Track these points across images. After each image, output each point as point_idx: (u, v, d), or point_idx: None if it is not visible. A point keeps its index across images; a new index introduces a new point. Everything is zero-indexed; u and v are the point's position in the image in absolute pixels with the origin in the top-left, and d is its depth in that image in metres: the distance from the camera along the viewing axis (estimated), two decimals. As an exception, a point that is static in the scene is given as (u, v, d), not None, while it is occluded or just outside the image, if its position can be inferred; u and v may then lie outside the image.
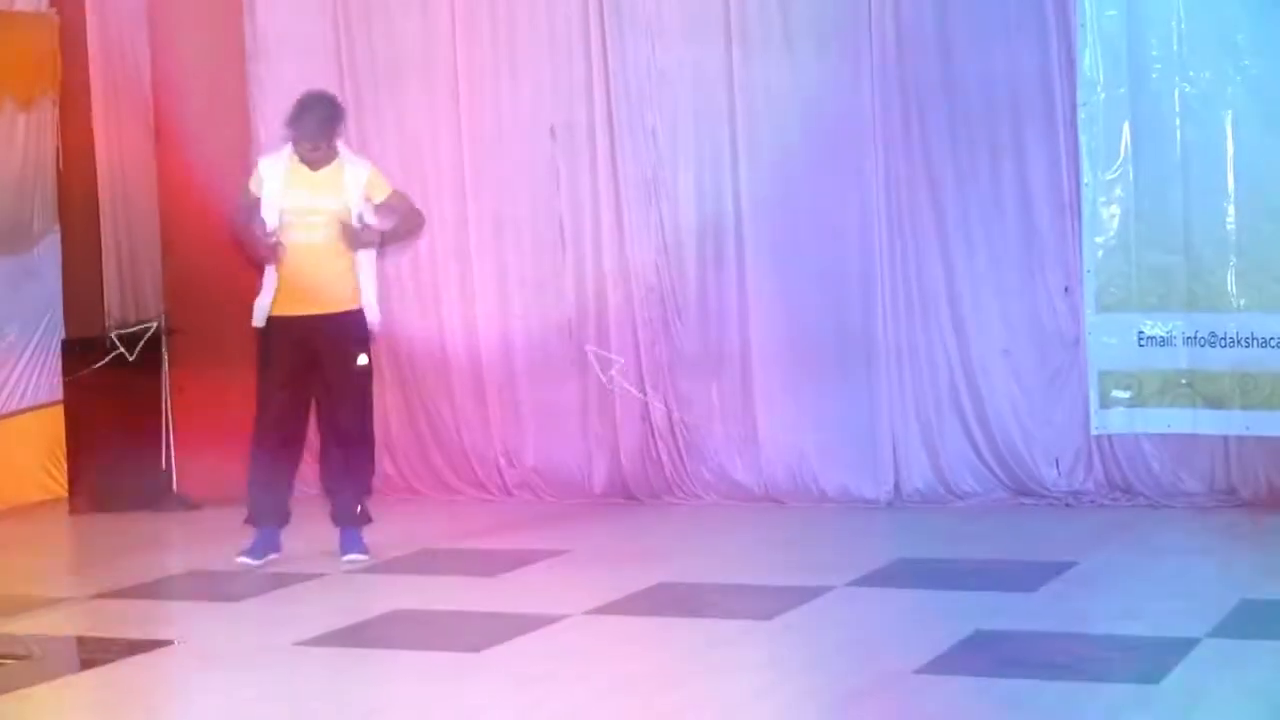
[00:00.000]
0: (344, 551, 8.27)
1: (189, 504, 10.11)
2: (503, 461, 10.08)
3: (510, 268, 10.04)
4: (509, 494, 10.04)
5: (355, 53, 10.29)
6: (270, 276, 8.20)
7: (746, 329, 9.55)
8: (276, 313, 8.15)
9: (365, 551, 8.29)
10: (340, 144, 8.35)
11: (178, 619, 7.49)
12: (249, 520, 8.37)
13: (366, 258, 8.26)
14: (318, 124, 8.19)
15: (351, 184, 8.23)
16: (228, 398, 10.26)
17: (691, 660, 6.22)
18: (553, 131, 9.91)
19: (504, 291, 10.06)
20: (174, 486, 10.23)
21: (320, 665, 6.41)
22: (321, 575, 8.01)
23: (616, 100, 9.76)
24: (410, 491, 10.14)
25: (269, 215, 8.15)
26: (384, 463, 10.23)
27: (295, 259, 8.14)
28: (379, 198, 8.31)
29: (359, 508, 8.35)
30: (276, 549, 8.31)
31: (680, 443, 9.68)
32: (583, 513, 9.50)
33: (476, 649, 6.50)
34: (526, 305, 10.01)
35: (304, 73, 10.35)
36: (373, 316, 8.28)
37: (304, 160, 8.19)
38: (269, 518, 8.30)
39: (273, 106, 10.44)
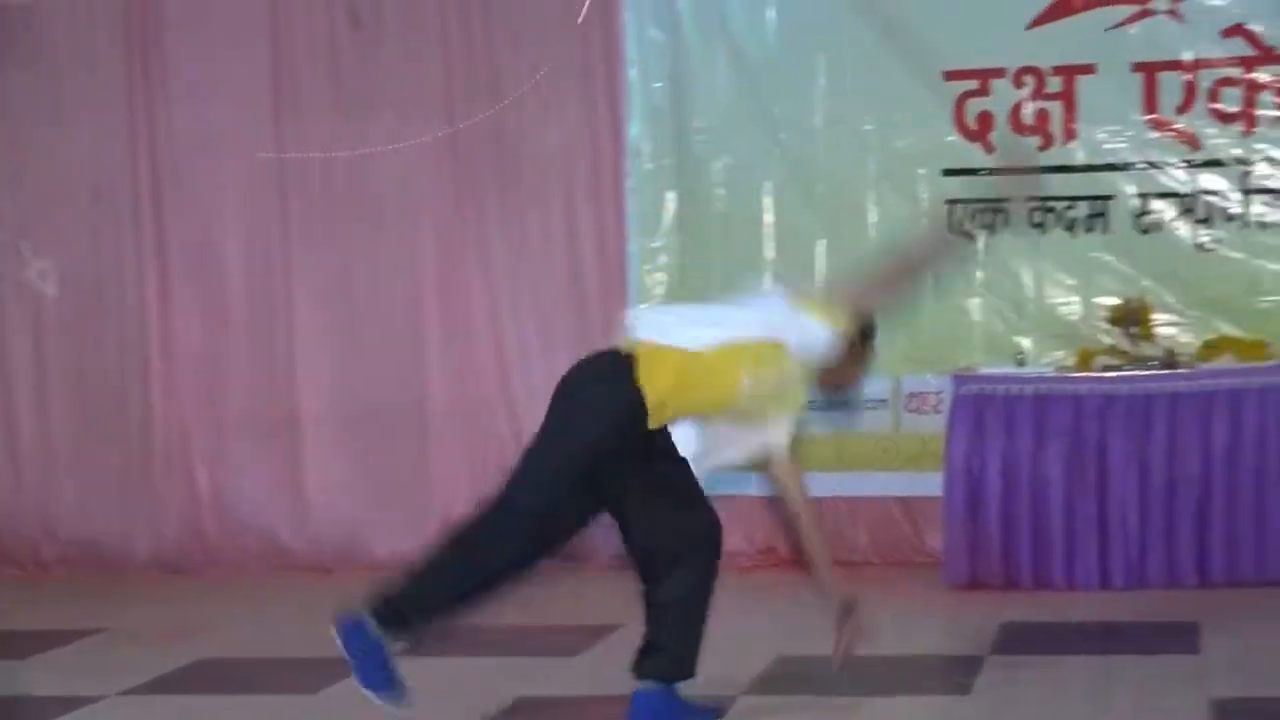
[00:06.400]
0: None
1: None
2: (39, 535, 9.69)
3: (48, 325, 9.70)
4: (45, 570, 9.66)
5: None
6: None
7: (295, 396, 9.43)
8: None
9: None
10: None
11: None
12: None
13: None
14: None
15: None
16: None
17: (229, 737, 6.07)
18: (97, 196, 9.66)
19: (41, 357, 9.71)
20: None
21: None
22: None
23: (162, 166, 9.55)
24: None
25: None
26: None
27: None
28: None
29: None
30: None
31: (226, 512, 9.49)
32: (122, 588, 9.21)
33: (1, 735, 6.23)
34: (66, 371, 9.69)
35: None
36: None
37: None
38: None
39: None
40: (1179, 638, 7.05)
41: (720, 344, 5.75)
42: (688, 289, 9.03)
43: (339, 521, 9.39)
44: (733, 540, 9.00)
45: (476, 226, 9.31)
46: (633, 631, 7.50)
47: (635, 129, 9.13)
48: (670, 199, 9.11)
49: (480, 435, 9.30)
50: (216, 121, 9.50)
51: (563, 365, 9.09)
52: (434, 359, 9.33)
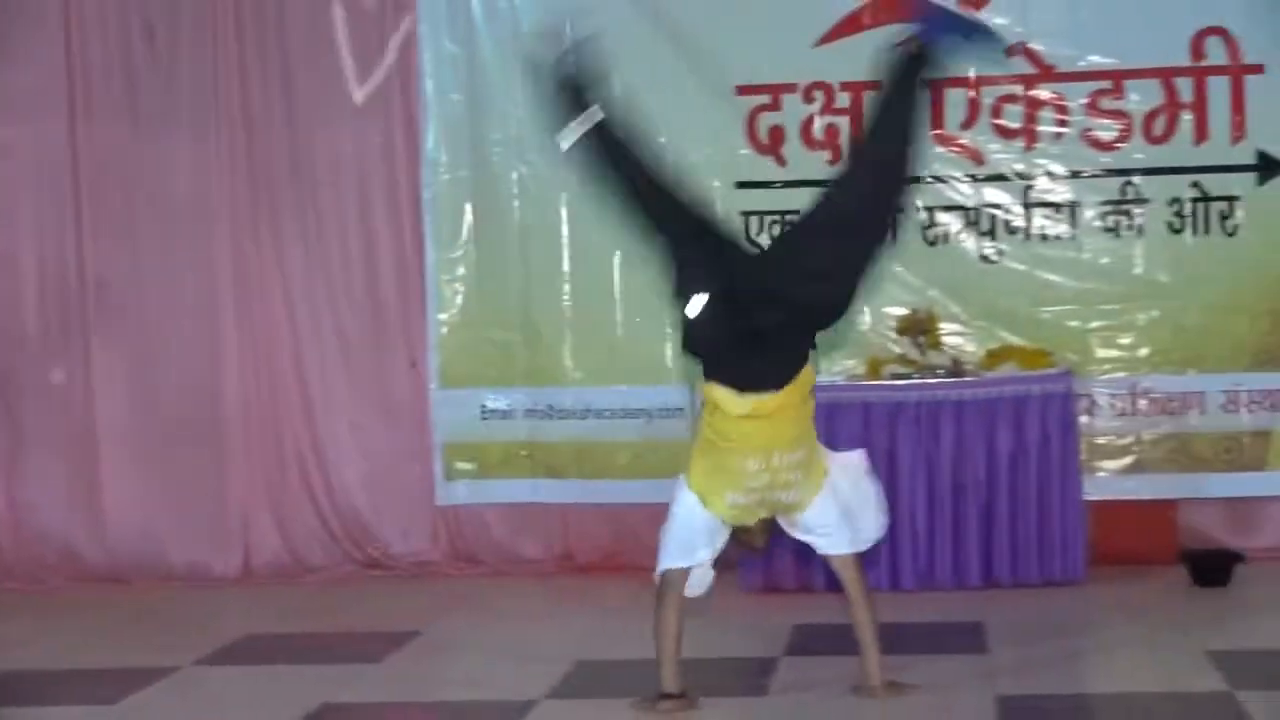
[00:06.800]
0: None
1: None
2: None
3: None
4: None
5: None
6: None
7: (92, 407, 9.31)
8: None
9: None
10: None
11: None
12: None
13: None
14: None
15: None
16: None
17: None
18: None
19: None
20: None
21: None
22: None
23: (-49, 174, 9.43)
24: None
25: None
26: None
27: None
28: None
29: None
30: None
31: (22, 525, 9.35)
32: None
33: None
34: None
35: None
36: None
37: None
38: None
39: None
40: (966, 637, 7.26)
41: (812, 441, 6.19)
42: (485, 300, 9.10)
43: (137, 533, 9.27)
44: (532, 549, 9.18)
45: (273, 237, 9.28)
46: (433, 638, 7.62)
47: (432, 141, 9.17)
48: (467, 210, 9.15)
49: (278, 445, 9.27)
50: (9, 129, 9.36)
51: (362, 374, 9.24)
52: (230, 369, 9.26)
